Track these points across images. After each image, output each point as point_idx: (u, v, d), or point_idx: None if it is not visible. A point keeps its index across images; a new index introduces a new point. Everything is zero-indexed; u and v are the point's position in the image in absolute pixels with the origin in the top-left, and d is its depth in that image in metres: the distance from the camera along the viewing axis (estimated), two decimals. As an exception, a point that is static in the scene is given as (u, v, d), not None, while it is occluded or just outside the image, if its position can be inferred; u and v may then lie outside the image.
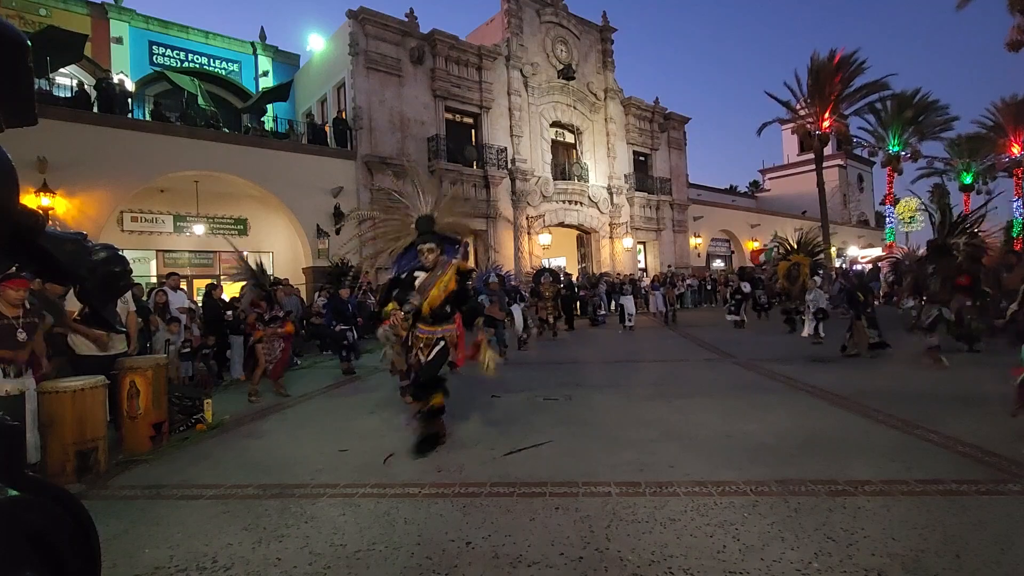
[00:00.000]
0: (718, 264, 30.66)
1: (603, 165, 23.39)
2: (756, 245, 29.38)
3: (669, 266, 24.58)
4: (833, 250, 24.56)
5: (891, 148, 28.47)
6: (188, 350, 7.76)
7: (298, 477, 3.89)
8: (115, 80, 13.96)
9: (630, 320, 14.25)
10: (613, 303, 18.55)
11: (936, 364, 7.00)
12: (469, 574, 2.49)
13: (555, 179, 21.25)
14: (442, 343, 4.50)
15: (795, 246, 11.71)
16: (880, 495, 3.14)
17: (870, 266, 19.79)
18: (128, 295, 5.45)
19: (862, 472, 3.49)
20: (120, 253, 1.85)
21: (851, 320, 8.53)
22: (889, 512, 2.91)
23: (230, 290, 9.97)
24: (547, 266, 16.37)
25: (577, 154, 22.88)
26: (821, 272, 11.18)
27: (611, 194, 23.24)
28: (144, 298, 7.78)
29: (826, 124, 26.21)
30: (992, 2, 17.59)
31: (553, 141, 22.04)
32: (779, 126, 39.74)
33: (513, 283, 10.10)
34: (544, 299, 12.82)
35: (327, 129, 16.73)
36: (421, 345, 4.49)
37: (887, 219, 30.85)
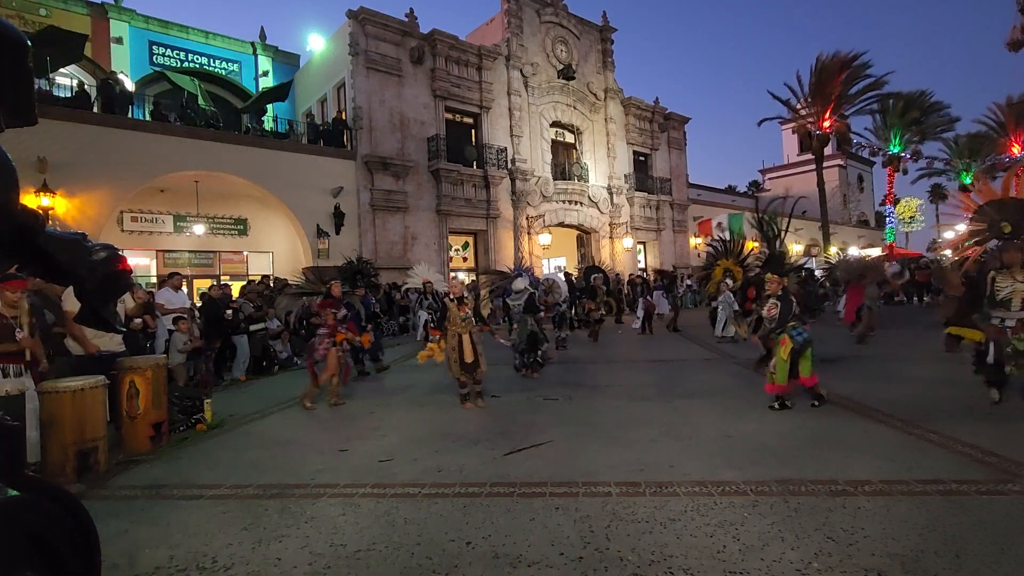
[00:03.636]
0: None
1: (603, 165, 23.38)
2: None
3: (674, 266, 24.55)
4: (833, 250, 24.56)
5: (892, 148, 28.45)
6: (188, 350, 7.74)
7: (298, 477, 3.89)
8: (118, 79, 13.95)
9: (636, 323, 14.19)
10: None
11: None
12: (469, 574, 2.49)
13: (555, 179, 21.23)
14: None
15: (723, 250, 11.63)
16: (880, 495, 3.14)
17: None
18: (127, 295, 5.44)
19: (862, 472, 3.49)
20: (120, 253, 1.85)
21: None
22: (889, 512, 2.91)
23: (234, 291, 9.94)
24: (595, 264, 15.85)
25: (577, 154, 22.87)
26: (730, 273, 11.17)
27: (611, 194, 23.23)
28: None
29: (827, 124, 26.19)
30: (993, 2, 17.58)
31: (553, 141, 22.03)
32: (779, 126, 39.74)
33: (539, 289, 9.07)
34: (596, 299, 12.64)
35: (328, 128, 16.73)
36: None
37: (887, 219, 30.82)
